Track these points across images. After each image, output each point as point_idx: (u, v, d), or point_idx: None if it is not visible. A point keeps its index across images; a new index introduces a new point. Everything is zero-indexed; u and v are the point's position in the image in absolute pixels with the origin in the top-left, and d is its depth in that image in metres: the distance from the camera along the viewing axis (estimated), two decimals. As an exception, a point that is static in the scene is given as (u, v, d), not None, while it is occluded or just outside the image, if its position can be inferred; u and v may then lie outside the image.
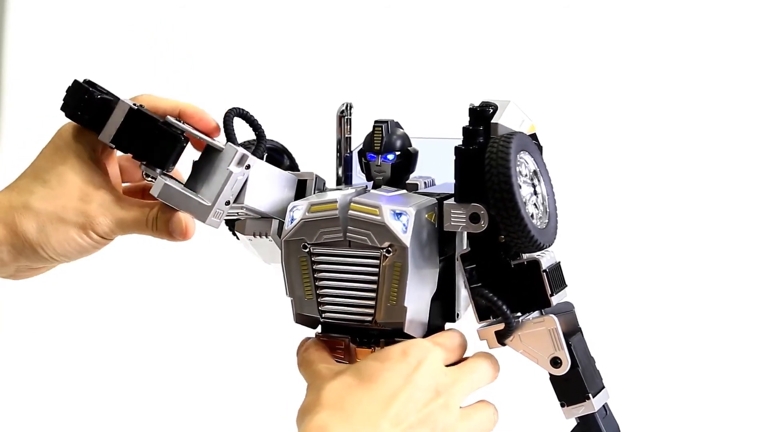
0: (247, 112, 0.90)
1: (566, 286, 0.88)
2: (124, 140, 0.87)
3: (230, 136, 0.88)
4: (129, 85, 1.77)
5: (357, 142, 0.94)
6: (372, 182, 0.92)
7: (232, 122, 0.88)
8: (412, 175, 0.92)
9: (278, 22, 1.75)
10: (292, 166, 0.95)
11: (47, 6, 1.81)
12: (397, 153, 0.90)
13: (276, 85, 1.70)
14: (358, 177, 0.95)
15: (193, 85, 1.76)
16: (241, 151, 0.86)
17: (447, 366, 0.85)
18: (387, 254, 0.82)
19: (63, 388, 1.55)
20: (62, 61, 1.80)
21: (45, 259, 0.89)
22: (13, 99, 1.80)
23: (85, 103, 0.88)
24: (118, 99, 0.88)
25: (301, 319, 0.88)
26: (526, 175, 0.84)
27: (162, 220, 0.88)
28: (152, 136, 0.87)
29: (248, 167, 0.86)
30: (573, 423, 0.89)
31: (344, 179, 0.96)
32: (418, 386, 0.82)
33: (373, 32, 1.72)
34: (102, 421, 1.59)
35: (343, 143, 0.96)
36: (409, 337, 0.85)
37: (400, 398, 0.81)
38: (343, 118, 0.95)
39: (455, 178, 0.85)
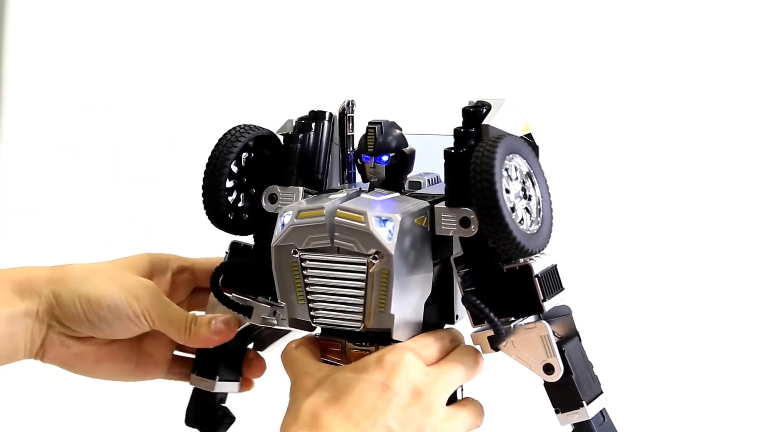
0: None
1: (563, 289, 0.87)
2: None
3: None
4: (129, 86, 1.79)
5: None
6: (368, 184, 0.91)
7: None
8: (415, 173, 0.92)
9: (278, 21, 1.75)
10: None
11: (47, 6, 1.81)
12: (391, 154, 0.89)
13: (276, 84, 1.70)
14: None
15: (193, 85, 1.76)
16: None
17: (431, 365, 0.84)
18: (374, 261, 0.82)
19: (58, 392, 1.55)
20: (62, 62, 1.80)
21: (78, 314, 0.92)
22: (13, 99, 1.80)
23: None
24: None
25: (295, 323, 0.88)
26: (516, 179, 0.82)
27: (203, 321, 0.94)
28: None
29: None
30: (570, 429, 0.88)
31: (347, 177, 0.95)
32: (395, 391, 0.81)
33: (375, 31, 1.72)
34: (98, 423, 1.59)
35: (345, 141, 0.95)
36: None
37: (378, 407, 0.80)
38: (346, 115, 0.94)
39: (445, 181, 0.84)
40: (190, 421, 1.03)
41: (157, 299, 0.93)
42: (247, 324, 0.96)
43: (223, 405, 1.03)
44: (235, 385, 1.02)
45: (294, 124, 0.92)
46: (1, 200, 1.82)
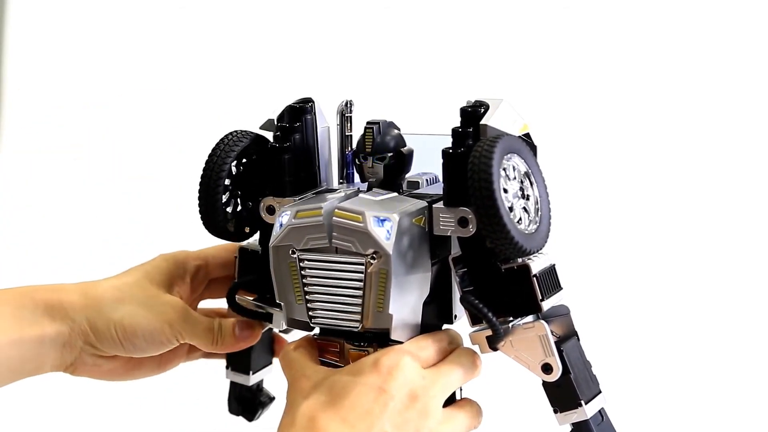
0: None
1: (561, 289, 0.87)
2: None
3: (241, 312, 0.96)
4: (129, 86, 1.79)
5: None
6: (366, 184, 0.91)
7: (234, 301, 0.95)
8: (413, 173, 0.91)
9: (277, 21, 1.75)
10: None
11: (47, 6, 1.81)
12: (390, 154, 0.89)
13: (275, 84, 1.70)
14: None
15: (193, 85, 1.76)
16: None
17: (428, 368, 0.84)
18: (372, 261, 0.81)
19: (59, 393, 1.55)
20: (62, 62, 1.80)
21: (113, 341, 0.93)
22: (13, 99, 1.80)
23: None
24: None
25: (293, 323, 0.88)
26: (514, 179, 0.82)
27: (228, 329, 0.95)
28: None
29: None
30: (568, 428, 0.88)
31: (345, 177, 0.95)
32: (392, 396, 0.81)
33: (373, 31, 1.72)
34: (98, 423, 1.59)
35: (343, 141, 0.95)
36: (396, 343, 0.84)
37: (374, 411, 0.80)
38: (344, 115, 0.94)
39: (443, 181, 0.84)
40: (232, 410, 1.06)
41: (186, 318, 0.94)
42: (269, 326, 0.98)
43: (260, 390, 1.07)
44: (268, 369, 1.05)
45: (276, 125, 0.92)
46: (1, 200, 1.82)
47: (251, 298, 0.96)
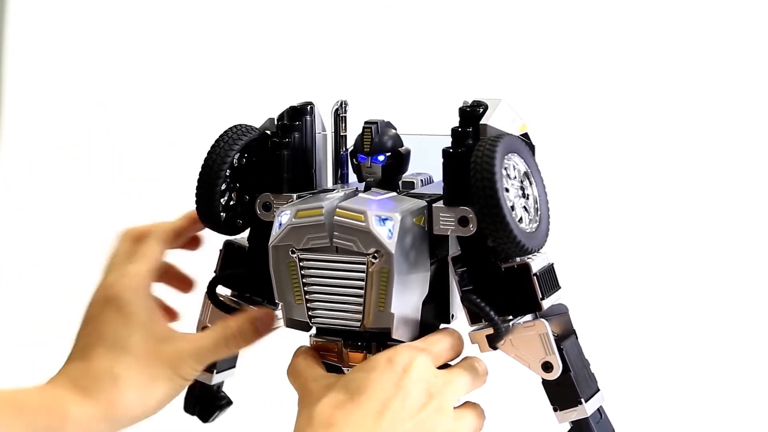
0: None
1: (560, 288, 0.87)
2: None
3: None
4: (129, 86, 1.79)
5: (353, 139, 0.94)
6: (364, 183, 0.91)
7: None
8: (408, 173, 0.92)
9: (276, 21, 1.75)
10: None
11: (47, 6, 1.81)
12: (388, 154, 0.89)
13: (274, 84, 1.70)
14: (355, 175, 0.94)
15: (193, 85, 1.77)
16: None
17: (439, 367, 0.84)
18: (373, 260, 0.82)
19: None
20: (62, 62, 1.80)
21: (135, 420, 0.91)
22: (13, 99, 1.81)
23: None
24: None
25: (292, 323, 0.88)
26: (514, 178, 0.83)
27: (249, 329, 0.92)
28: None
29: None
30: (568, 426, 0.89)
31: (340, 177, 0.96)
32: (409, 392, 0.81)
33: (373, 31, 1.72)
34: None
35: (338, 141, 0.95)
36: (398, 342, 0.85)
37: (392, 407, 0.80)
38: (339, 115, 0.95)
39: (443, 180, 0.84)
40: (189, 408, 1.04)
41: (198, 351, 0.92)
42: None
43: (220, 391, 1.04)
44: (231, 372, 1.03)
45: (276, 123, 0.92)
46: (1, 200, 1.82)
47: (229, 293, 0.96)
